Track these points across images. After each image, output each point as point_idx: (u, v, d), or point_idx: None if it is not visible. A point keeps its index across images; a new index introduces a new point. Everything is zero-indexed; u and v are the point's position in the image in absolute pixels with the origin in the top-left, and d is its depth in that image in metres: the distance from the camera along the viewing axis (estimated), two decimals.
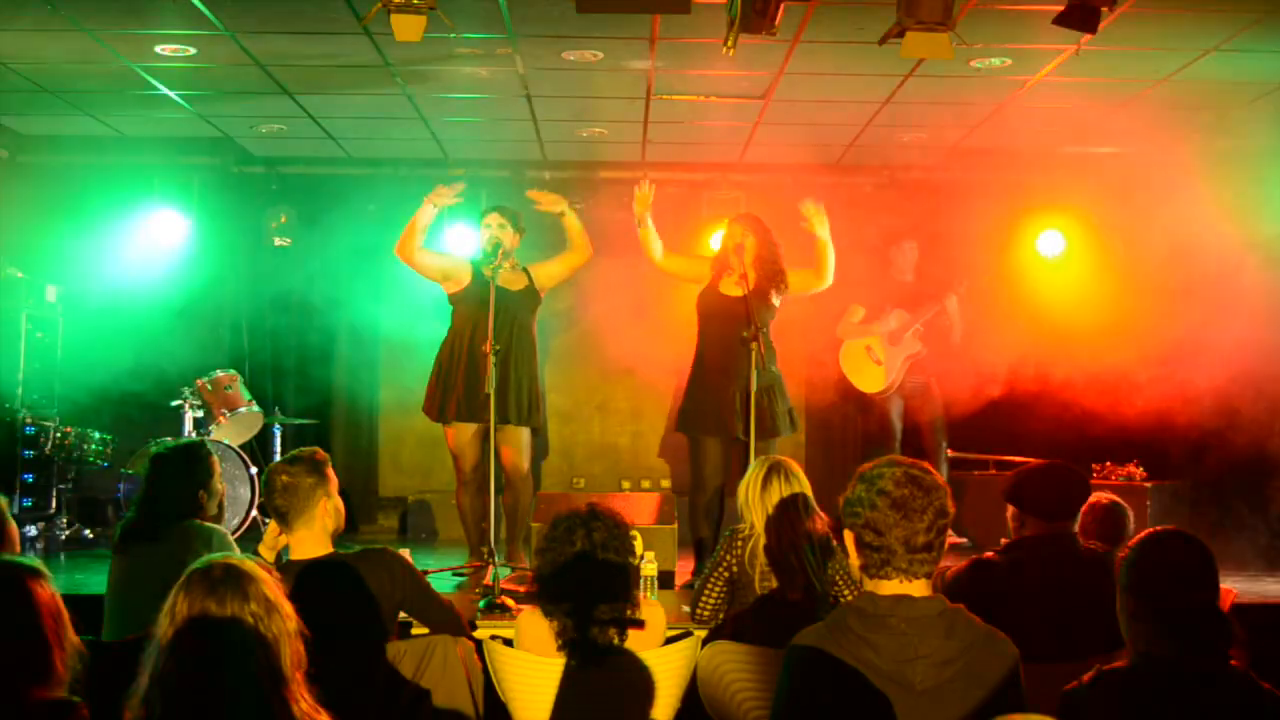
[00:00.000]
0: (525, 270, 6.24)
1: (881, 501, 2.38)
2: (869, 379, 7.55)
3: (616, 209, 8.21)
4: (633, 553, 3.56)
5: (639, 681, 3.50)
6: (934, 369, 7.44)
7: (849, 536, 2.45)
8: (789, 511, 4.08)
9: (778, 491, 4.12)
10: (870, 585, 2.43)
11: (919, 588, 2.40)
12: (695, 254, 6.19)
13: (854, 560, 2.46)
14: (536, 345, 6.28)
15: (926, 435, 7.50)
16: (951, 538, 3.16)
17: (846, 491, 2.47)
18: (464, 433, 6.08)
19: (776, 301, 5.98)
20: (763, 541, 4.12)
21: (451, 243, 7.59)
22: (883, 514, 2.38)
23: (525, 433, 6.13)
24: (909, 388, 7.49)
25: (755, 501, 4.14)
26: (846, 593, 4.14)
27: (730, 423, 5.79)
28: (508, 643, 3.67)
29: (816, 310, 7.92)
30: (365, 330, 8.31)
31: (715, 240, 6.22)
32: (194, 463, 4.11)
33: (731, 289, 5.92)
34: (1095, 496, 4.38)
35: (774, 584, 4.07)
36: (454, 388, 6.05)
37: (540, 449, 8.45)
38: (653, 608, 3.59)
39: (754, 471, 4.21)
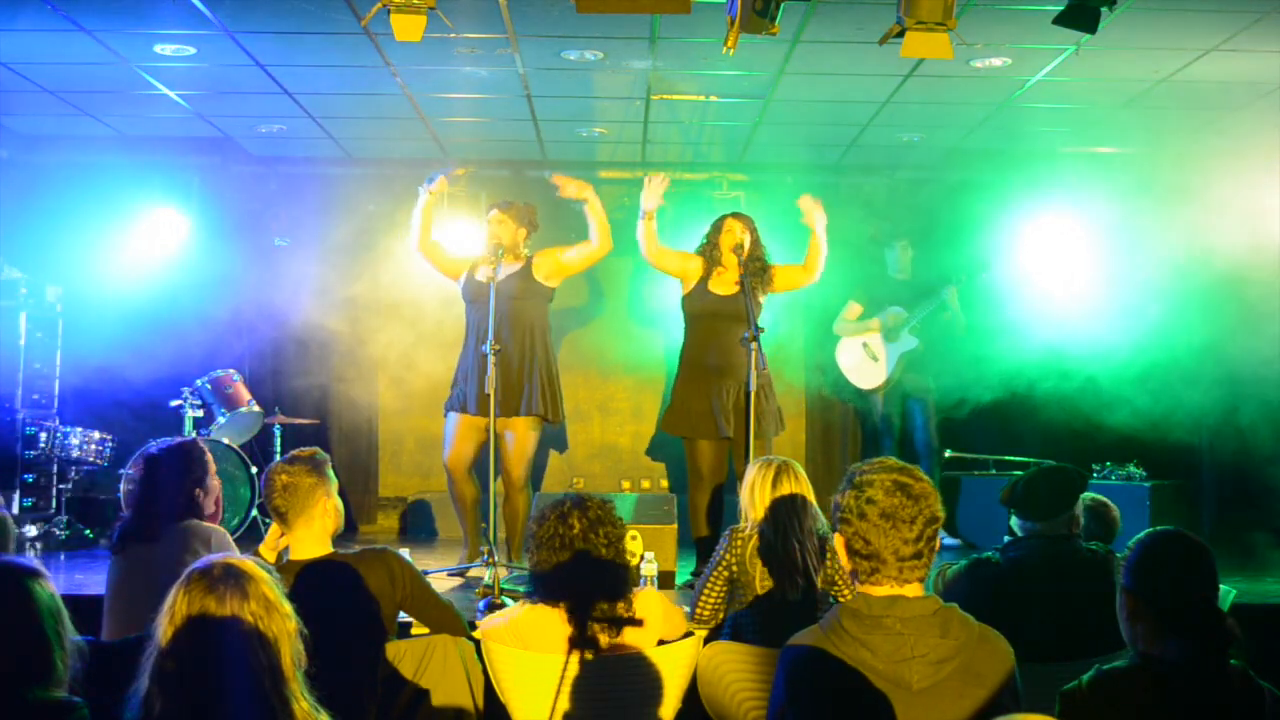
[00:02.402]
0: (528, 258, 6.16)
1: (870, 511, 2.37)
2: (865, 375, 7.56)
3: (616, 209, 8.22)
4: (623, 532, 3.55)
5: (641, 680, 3.50)
6: (932, 366, 7.44)
7: (839, 541, 2.45)
8: (791, 511, 4.08)
9: (787, 491, 4.11)
10: (863, 588, 2.43)
11: (911, 589, 2.40)
12: (684, 252, 6.15)
13: (845, 565, 2.46)
14: (546, 337, 6.17)
15: (922, 433, 7.51)
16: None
17: (837, 494, 2.47)
18: (457, 421, 6.06)
19: (763, 299, 5.98)
20: (763, 541, 4.12)
21: (456, 239, 7.58)
22: (872, 524, 2.37)
23: (528, 437, 6.08)
24: (906, 384, 7.49)
25: (764, 501, 4.13)
26: (846, 592, 4.14)
27: (722, 422, 5.78)
28: None
29: (817, 310, 7.95)
30: (365, 330, 8.32)
31: (702, 236, 6.17)
32: (188, 462, 4.10)
33: (722, 288, 5.91)
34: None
35: (774, 584, 4.06)
36: (459, 382, 6.09)
37: (557, 443, 8.43)
38: (645, 595, 3.58)
39: (762, 471, 4.19)
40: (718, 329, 5.84)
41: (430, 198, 6.14)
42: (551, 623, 3.43)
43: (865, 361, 7.56)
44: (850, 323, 7.61)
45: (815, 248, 5.97)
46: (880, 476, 2.40)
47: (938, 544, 2.43)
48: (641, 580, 4.71)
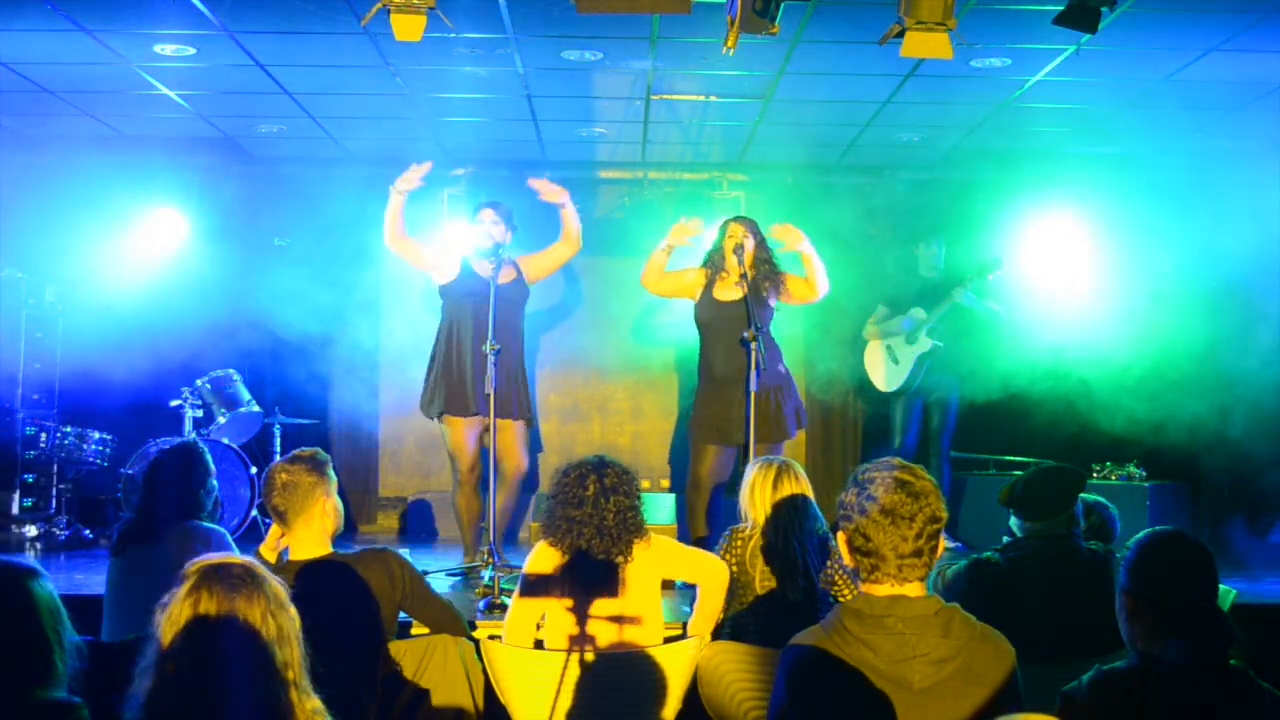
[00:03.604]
0: (515, 264, 6.23)
1: (871, 508, 2.38)
2: (886, 377, 7.56)
3: (617, 208, 8.22)
4: (640, 498, 3.88)
5: (641, 680, 3.50)
6: (952, 367, 7.40)
7: (841, 539, 2.46)
8: (793, 511, 4.08)
9: (788, 491, 4.12)
10: (865, 587, 2.44)
11: (912, 589, 2.40)
12: (682, 271, 6.17)
13: (847, 562, 2.48)
14: (523, 341, 6.29)
15: (938, 435, 7.49)
16: (945, 542, 3.16)
17: (843, 493, 2.48)
18: (460, 430, 6.07)
19: (774, 303, 5.98)
20: (764, 541, 4.12)
21: (444, 235, 7.57)
22: (872, 520, 2.38)
23: (518, 435, 6.12)
24: (927, 386, 7.47)
25: (764, 501, 4.13)
26: (846, 593, 4.14)
27: (734, 429, 5.78)
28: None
29: (816, 310, 7.94)
30: (365, 330, 8.31)
31: (706, 243, 6.19)
32: (188, 462, 4.10)
33: (727, 294, 5.92)
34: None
35: (774, 584, 4.06)
36: (447, 384, 6.06)
37: (557, 443, 8.45)
38: (646, 542, 3.81)
39: (762, 472, 4.19)
40: (724, 335, 5.85)
41: (398, 198, 6.11)
42: (554, 559, 3.74)
43: (887, 363, 7.56)
44: (876, 326, 7.62)
45: (809, 265, 5.94)
46: (882, 474, 2.41)
47: (941, 545, 2.43)
48: None
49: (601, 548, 3.73)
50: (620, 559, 3.75)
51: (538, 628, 3.83)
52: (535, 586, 3.76)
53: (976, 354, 7.28)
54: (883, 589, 2.40)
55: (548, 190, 6.18)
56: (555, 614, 3.74)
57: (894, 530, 2.37)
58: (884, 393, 7.61)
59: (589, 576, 3.72)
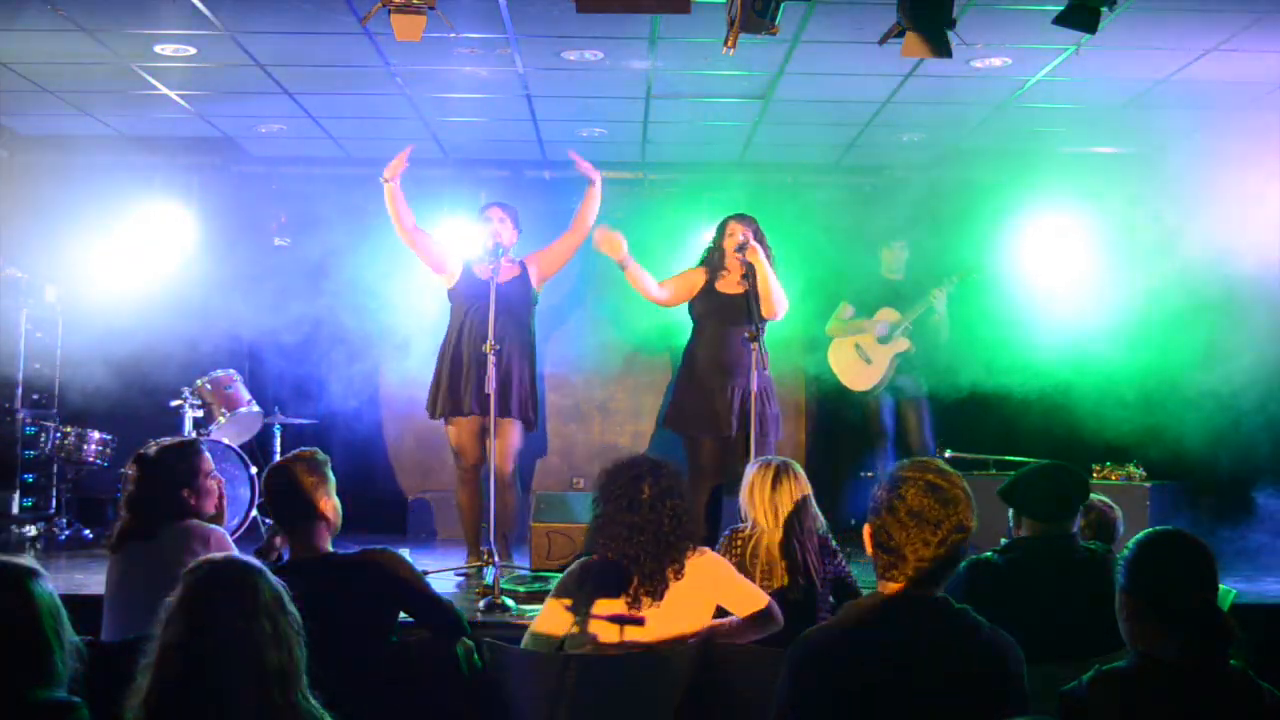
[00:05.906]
0: (521, 263, 6.21)
1: (900, 507, 2.40)
2: (858, 377, 7.56)
3: (616, 209, 8.21)
4: (689, 505, 3.73)
5: (643, 681, 3.50)
6: (925, 367, 7.43)
7: (866, 530, 2.48)
8: (797, 511, 4.09)
9: (787, 491, 4.13)
10: (879, 585, 2.45)
11: (923, 590, 2.41)
12: (684, 273, 6.16)
13: (869, 553, 2.50)
14: (533, 340, 6.25)
15: (915, 434, 7.50)
16: None
17: (876, 488, 2.51)
18: (463, 429, 6.07)
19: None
20: (766, 540, 4.12)
21: (447, 236, 7.55)
22: (898, 520, 2.40)
23: (517, 433, 6.12)
24: (898, 386, 7.49)
25: (764, 501, 4.14)
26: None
27: (725, 421, 5.79)
28: (512, 642, 3.68)
29: (814, 309, 7.95)
30: (365, 329, 8.31)
31: (708, 244, 6.19)
32: (183, 461, 4.08)
33: (728, 288, 5.93)
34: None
35: (774, 583, 4.07)
36: (449, 384, 6.05)
37: (537, 448, 8.45)
38: (698, 554, 3.66)
39: (761, 472, 4.20)
40: (723, 328, 5.86)
41: (388, 187, 6.12)
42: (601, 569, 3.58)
43: (858, 363, 7.56)
44: (842, 323, 7.61)
45: (763, 284, 5.71)
46: (916, 475, 2.44)
47: (964, 554, 2.45)
48: None
49: (656, 554, 3.54)
50: (672, 571, 3.56)
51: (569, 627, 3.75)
52: (574, 593, 3.60)
53: (942, 357, 7.29)
54: (894, 587, 2.41)
55: (584, 166, 6.18)
56: (591, 625, 3.62)
57: (918, 533, 2.38)
58: (854, 391, 7.61)
59: (635, 589, 3.59)
